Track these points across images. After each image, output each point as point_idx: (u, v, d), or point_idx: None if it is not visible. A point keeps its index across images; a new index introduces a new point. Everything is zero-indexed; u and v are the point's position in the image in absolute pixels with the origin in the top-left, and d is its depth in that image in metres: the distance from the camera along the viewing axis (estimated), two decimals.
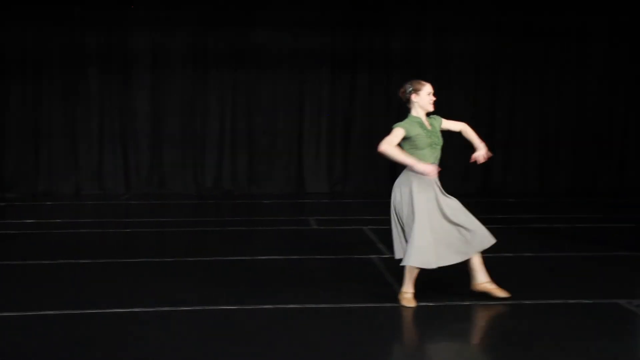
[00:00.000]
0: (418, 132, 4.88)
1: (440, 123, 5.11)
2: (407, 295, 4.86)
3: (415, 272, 4.85)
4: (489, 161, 12.46)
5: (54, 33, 10.79)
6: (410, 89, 5.02)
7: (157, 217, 9.13)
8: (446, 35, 11.27)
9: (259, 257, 6.44)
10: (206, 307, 4.84)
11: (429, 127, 4.98)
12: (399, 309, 4.87)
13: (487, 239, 4.93)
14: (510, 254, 6.62)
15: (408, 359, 4.09)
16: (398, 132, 4.85)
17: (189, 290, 5.30)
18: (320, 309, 4.86)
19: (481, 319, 4.67)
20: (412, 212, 4.76)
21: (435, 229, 4.76)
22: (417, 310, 4.82)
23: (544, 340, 4.24)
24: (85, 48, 10.88)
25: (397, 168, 11.33)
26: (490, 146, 12.15)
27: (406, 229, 4.82)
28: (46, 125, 10.93)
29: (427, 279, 5.57)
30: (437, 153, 4.97)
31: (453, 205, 4.88)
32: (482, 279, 4.99)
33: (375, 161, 11.39)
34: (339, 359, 3.96)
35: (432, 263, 4.74)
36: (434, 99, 5.03)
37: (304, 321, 4.61)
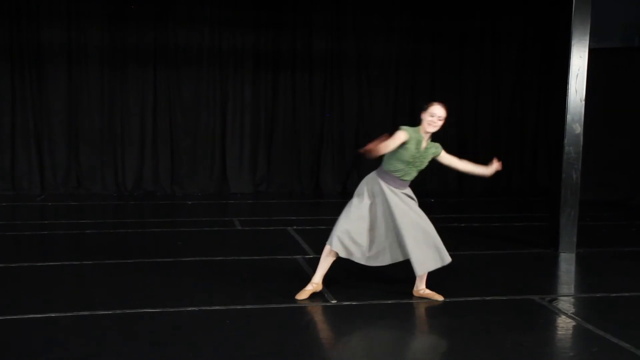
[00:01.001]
0: (410, 146, 5.01)
1: (437, 153, 5.30)
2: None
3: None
4: None
5: None
6: (425, 106, 5.20)
7: (75, 218, 8.84)
8: (367, 38, 11.46)
9: (182, 259, 6.35)
10: (126, 311, 4.74)
11: (422, 149, 5.13)
12: (324, 308, 4.92)
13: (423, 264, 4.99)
14: None
15: (332, 358, 4.14)
16: (400, 136, 5.02)
17: (108, 293, 5.18)
18: (244, 310, 4.85)
19: (401, 316, 4.78)
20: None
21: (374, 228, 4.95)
22: (340, 309, 4.89)
23: (461, 335, 4.39)
24: None
25: (319, 169, 11.57)
26: None
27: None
28: None
29: (345, 280, 5.66)
30: (414, 174, 5.20)
31: (411, 216, 5.06)
32: (419, 286, 5.17)
33: (298, 161, 11.47)
34: (255, 358, 3.97)
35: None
36: (435, 122, 5.15)
37: (228, 323, 4.59)
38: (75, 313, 4.67)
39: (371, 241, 5.03)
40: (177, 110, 11.09)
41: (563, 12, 6.86)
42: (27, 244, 7.17)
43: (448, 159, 5.38)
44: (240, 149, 11.28)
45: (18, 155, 10.62)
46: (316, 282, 5.12)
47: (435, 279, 5.73)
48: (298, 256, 6.42)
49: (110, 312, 4.69)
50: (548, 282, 5.94)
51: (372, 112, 11.67)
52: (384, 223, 5.04)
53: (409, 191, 5.21)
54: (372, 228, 5.02)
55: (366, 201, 5.06)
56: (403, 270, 6.11)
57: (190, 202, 10.20)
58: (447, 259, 5.07)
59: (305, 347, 4.23)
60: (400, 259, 5.10)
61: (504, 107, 12.05)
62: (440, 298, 5.12)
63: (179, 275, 5.78)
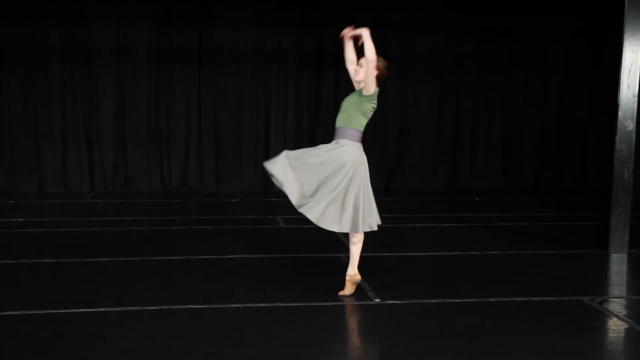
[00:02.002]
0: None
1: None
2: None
3: None
4: (455, 160, 12.69)
5: (13, 27, 10.55)
6: None
7: (123, 215, 9.01)
8: (412, 35, 11.37)
9: (227, 256, 6.40)
10: (172, 307, 4.79)
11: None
12: (368, 307, 4.89)
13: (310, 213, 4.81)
14: (477, 252, 6.70)
15: (363, 358, 4.11)
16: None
17: (155, 289, 5.25)
18: (288, 307, 4.86)
19: (444, 316, 4.71)
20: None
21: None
22: (383, 308, 4.85)
23: (506, 336, 4.30)
24: (47, 43, 10.67)
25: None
26: (456, 146, 12.40)
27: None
28: (6, 122, 10.70)
29: (388, 279, 5.62)
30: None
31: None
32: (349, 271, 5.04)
33: None
34: (306, 358, 3.96)
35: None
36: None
37: (272, 320, 4.60)
38: (122, 308, 4.75)
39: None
40: (221, 109, 11.20)
41: (615, 5, 6.66)
42: (77, 240, 7.33)
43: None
44: (284, 148, 11.28)
45: (68, 154, 10.89)
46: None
47: (481, 279, 5.65)
48: (341, 254, 6.39)
49: (156, 308, 4.76)
50: (598, 283, 5.79)
51: (416, 112, 11.56)
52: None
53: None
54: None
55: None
56: (448, 270, 6.04)
57: (234, 200, 10.28)
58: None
59: (348, 346, 4.20)
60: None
61: (553, 105, 11.80)
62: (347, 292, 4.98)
63: (223, 272, 5.83)
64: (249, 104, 11.20)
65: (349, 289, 5.07)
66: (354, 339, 4.41)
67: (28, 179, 10.74)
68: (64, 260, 6.17)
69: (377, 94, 5.01)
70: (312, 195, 4.84)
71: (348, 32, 4.98)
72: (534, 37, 11.59)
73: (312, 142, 11.46)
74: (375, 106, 5.03)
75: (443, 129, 11.64)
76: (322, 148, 5.00)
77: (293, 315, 4.71)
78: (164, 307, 4.79)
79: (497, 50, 11.53)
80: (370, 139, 11.45)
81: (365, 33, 4.86)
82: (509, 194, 11.28)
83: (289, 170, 4.88)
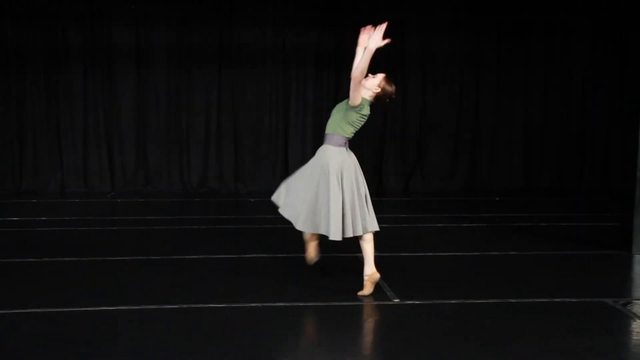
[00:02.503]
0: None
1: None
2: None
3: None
4: (474, 159, 12.60)
5: (35, 28, 10.67)
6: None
7: (143, 215, 9.08)
8: (430, 34, 11.31)
9: (246, 255, 6.42)
10: (192, 305, 4.82)
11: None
12: (386, 307, 4.88)
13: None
14: (496, 252, 6.65)
15: (381, 358, 4.09)
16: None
17: (175, 288, 5.28)
18: (306, 307, 4.86)
19: (466, 317, 4.68)
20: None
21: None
22: (402, 308, 4.83)
23: (529, 338, 4.26)
24: (68, 44, 10.78)
25: (382, 168, 11.46)
26: (475, 145, 12.31)
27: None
28: (29, 122, 10.83)
29: (407, 279, 5.60)
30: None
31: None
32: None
33: (360, 160, 11.40)
34: (325, 357, 3.96)
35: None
36: None
37: (291, 319, 4.60)
38: (141, 307, 4.78)
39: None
40: (240, 109, 11.23)
41: (639, 2, 6.58)
42: (98, 239, 7.40)
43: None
44: (303, 147, 11.32)
45: (89, 153, 10.99)
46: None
47: (501, 279, 5.61)
48: (359, 254, 6.37)
49: (175, 307, 4.78)
50: (621, 284, 5.71)
51: (436, 111, 11.50)
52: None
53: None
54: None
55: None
56: (468, 271, 6.00)
57: (253, 200, 10.31)
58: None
59: (367, 346, 4.19)
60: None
61: (574, 104, 11.66)
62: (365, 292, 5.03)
63: (242, 271, 5.85)
64: (269, 104, 11.22)
65: (368, 289, 5.06)
66: (373, 339, 4.39)
67: (50, 178, 10.86)
68: (85, 259, 6.22)
69: (367, 104, 5.02)
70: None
71: (363, 39, 4.96)
72: (555, 35, 11.47)
73: None
74: (364, 116, 5.03)
75: (462, 128, 11.57)
76: (311, 160, 5.23)
77: (312, 315, 4.71)
78: (184, 305, 4.81)
79: (517, 49, 11.43)
80: (389, 139, 11.44)
81: (369, 48, 4.86)
82: (530, 193, 11.18)
83: (292, 202, 5.13)
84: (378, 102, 5.08)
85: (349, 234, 4.96)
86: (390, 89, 5.05)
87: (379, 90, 5.03)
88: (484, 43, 11.41)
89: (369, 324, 4.71)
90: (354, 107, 4.96)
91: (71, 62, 10.82)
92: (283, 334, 4.34)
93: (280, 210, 5.16)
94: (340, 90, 11.34)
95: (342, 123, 5.02)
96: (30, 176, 10.84)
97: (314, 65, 11.27)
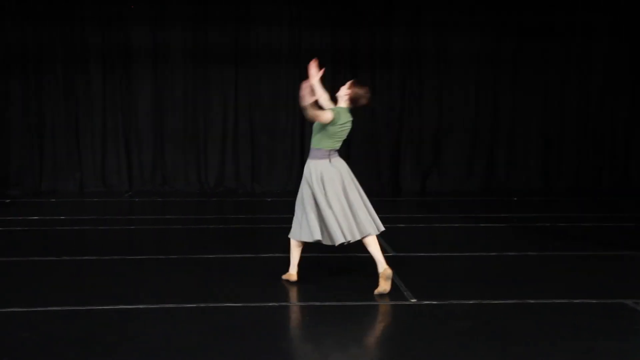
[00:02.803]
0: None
1: None
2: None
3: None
4: (492, 159, 12.51)
5: (54, 30, 10.79)
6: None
7: (161, 214, 9.13)
8: (448, 33, 11.26)
9: (262, 255, 6.43)
10: (209, 304, 4.84)
11: None
12: (404, 307, 4.86)
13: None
14: (515, 253, 6.61)
15: (399, 358, 4.08)
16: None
17: (192, 287, 5.31)
18: (322, 307, 4.86)
19: (484, 317, 4.66)
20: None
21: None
22: (419, 308, 4.81)
23: (547, 339, 4.23)
24: (87, 44, 10.88)
25: (398, 168, 11.41)
26: (492, 145, 12.22)
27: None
28: (49, 122, 10.95)
29: (424, 279, 5.58)
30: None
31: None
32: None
33: (377, 159, 11.41)
34: (341, 358, 3.95)
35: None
36: None
37: (307, 319, 4.61)
38: (159, 305, 4.81)
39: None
40: (257, 108, 11.26)
41: None
42: (116, 238, 7.46)
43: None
44: None
45: (108, 153, 11.09)
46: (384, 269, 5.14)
47: (519, 280, 5.57)
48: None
49: (193, 306, 4.80)
50: None
51: (452, 111, 11.45)
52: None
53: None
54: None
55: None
56: (485, 271, 5.97)
57: (269, 199, 10.33)
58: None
59: (384, 346, 4.18)
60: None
61: (593, 104, 11.55)
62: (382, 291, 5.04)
63: (259, 270, 5.86)
64: (285, 103, 11.24)
65: (382, 285, 5.05)
66: (390, 339, 4.38)
67: (69, 177, 10.97)
68: (103, 258, 6.28)
69: (343, 113, 5.19)
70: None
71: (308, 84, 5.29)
72: (573, 33, 11.37)
73: (346, 141, 11.43)
74: (343, 125, 5.21)
75: (480, 128, 11.51)
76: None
77: (328, 315, 4.71)
78: (201, 305, 4.83)
79: (535, 47, 11.35)
80: (405, 139, 11.40)
81: (310, 83, 5.30)
82: (548, 193, 11.10)
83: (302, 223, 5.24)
84: (356, 105, 5.28)
85: (347, 238, 5.06)
86: (360, 91, 5.25)
87: (349, 92, 5.24)
88: (502, 42, 11.34)
89: (385, 324, 4.70)
90: (328, 124, 5.12)
91: (90, 62, 10.92)
92: (299, 333, 4.34)
93: (307, 239, 5.23)
94: None
95: (323, 138, 5.21)
96: (49, 176, 10.96)
97: (330, 65, 11.25)
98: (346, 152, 11.36)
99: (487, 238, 7.54)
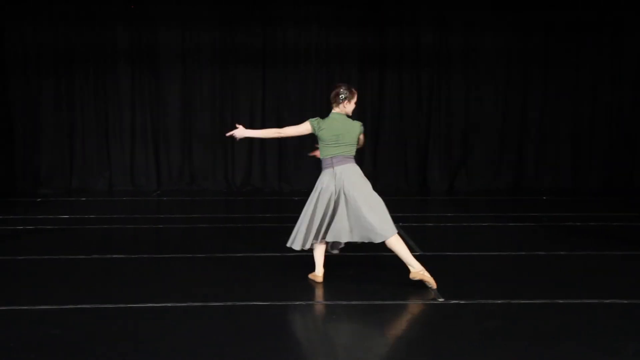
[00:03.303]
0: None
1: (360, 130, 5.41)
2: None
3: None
4: (521, 158, 12.32)
5: (85, 30, 10.94)
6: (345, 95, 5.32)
7: (188, 213, 9.21)
8: (476, 32, 11.17)
9: (289, 254, 6.44)
10: (237, 303, 4.86)
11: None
12: (431, 306, 4.83)
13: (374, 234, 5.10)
14: (544, 252, 6.53)
15: (427, 357, 4.05)
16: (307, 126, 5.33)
17: (219, 286, 5.34)
18: (349, 305, 4.85)
19: (512, 317, 4.61)
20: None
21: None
22: (447, 307, 4.78)
23: (576, 339, 4.17)
24: (117, 45, 11.02)
25: (426, 167, 11.34)
26: (521, 143, 12.05)
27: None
28: (79, 122, 11.11)
29: (446, 278, 5.54)
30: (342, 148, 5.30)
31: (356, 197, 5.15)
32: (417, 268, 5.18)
33: (405, 158, 11.36)
34: (368, 356, 3.94)
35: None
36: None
37: (335, 317, 4.60)
38: (187, 304, 4.85)
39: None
40: (284, 108, 11.29)
41: None
42: (145, 237, 7.54)
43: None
44: None
45: (137, 152, 11.22)
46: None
47: (548, 280, 5.50)
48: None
49: (220, 304, 4.83)
50: None
51: (481, 109, 11.35)
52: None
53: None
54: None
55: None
56: (514, 271, 5.90)
57: (296, 199, 10.34)
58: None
59: (411, 345, 4.16)
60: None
61: (626, 102, 11.35)
62: (433, 284, 5.10)
63: (286, 269, 5.88)
64: (312, 102, 11.25)
65: (429, 281, 5.08)
66: (417, 338, 4.36)
67: (99, 176, 11.12)
68: (132, 256, 6.35)
69: (318, 122, 5.32)
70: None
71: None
72: (604, 31, 11.18)
73: (374, 140, 11.44)
74: (320, 130, 5.31)
75: (508, 126, 11.39)
76: None
77: (355, 314, 4.70)
78: (228, 303, 4.86)
79: (565, 45, 11.19)
80: (433, 138, 11.33)
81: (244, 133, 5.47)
82: (578, 193, 10.94)
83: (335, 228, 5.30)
84: (338, 103, 5.33)
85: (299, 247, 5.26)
86: (333, 91, 5.35)
87: (337, 98, 5.31)
88: (531, 39, 11.21)
89: (412, 323, 4.68)
90: (315, 134, 5.32)
91: (119, 63, 11.06)
92: (324, 332, 4.34)
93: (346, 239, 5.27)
94: (384, 89, 11.30)
95: (321, 148, 5.38)
96: (79, 175, 11.12)
97: (357, 64, 11.25)
98: (374, 151, 11.37)
99: (516, 237, 7.46)
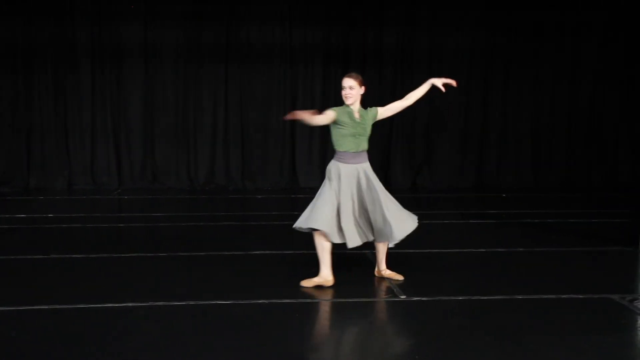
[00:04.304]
0: (344, 119, 5.29)
1: (375, 114, 5.52)
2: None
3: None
4: (482, 156, 12.49)
5: (44, 26, 10.71)
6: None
7: (150, 212, 9.11)
8: (439, 30, 11.28)
9: (253, 252, 6.43)
10: (200, 302, 4.83)
11: (358, 119, 5.37)
12: (393, 304, 4.87)
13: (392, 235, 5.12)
14: (504, 249, 6.64)
15: (388, 355, 4.09)
16: (329, 114, 5.29)
17: (182, 284, 5.30)
18: (314, 303, 4.86)
19: (474, 314, 4.68)
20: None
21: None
22: (409, 304, 4.83)
23: (535, 335, 4.25)
24: (77, 42, 10.82)
25: (389, 164, 11.44)
26: (483, 142, 12.24)
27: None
28: (38, 119, 10.88)
29: (414, 276, 5.60)
30: (363, 144, 5.44)
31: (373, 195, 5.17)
32: (380, 266, 5.39)
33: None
34: (329, 353, 3.96)
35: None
36: (347, 93, 5.38)
37: (297, 316, 4.61)
38: (150, 303, 4.80)
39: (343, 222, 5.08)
40: (248, 106, 11.24)
41: None
42: (106, 236, 7.43)
43: (390, 109, 5.68)
44: (310, 144, 11.33)
45: (97, 150, 11.04)
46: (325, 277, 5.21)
47: (507, 276, 5.60)
48: (367, 250, 6.38)
49: (183, 304, 4.80)
50: (629, 281, 5.69)
51: (443, 108, 11.47)
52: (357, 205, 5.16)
53: (367, 166, 5.41)
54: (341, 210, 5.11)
55: (334, 185, 5.18)
56: (475, 268, 5.99)
57: (260, 197, 10.32)
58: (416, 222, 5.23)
59: (373, 342, 4.19)
60: (371, 238, 5.22)
61: (583, 101, 11.60)
62: (400, 278, 5.26)
63: (249, 268, 5.86)
64: (276, 100, 11.23)
65: (393, 277, 5.20)
66: (380, 335, 4.39)
67: (58, 175, 10.92)
68: (92, 256, 6.25)
69: (340, 112, 5.32)
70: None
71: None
72: (564, 31, 11.41)
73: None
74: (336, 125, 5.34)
75: (470, 125, 11.54)
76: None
77: (317, 312, 4.71)
78: (191, 302, 4.83)
79: (525, 45, 11.38)
80: (396, 135, 11.42)
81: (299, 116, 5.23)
82: (537, 190, 11.15)
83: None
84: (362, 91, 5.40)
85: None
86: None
87: (363, 86, 5.40)
88: (493, 39, 11.37)
89: (375, 320, 4.71)
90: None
91: (79, 60, 10.87)
92: (289, 330, 4.34)
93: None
94: None
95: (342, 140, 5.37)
96: (38, 173, 10.90)
97: (321, 62, 11.27)
98: None
99: (477, 235, 7.56)
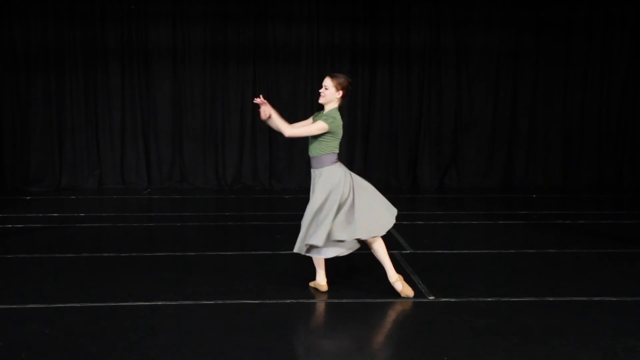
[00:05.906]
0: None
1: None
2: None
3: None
4: (511, 156, 12.34)
5: (75, 29, 10.87)
6: None
7: (179, 211, 9.19)
8: (467, 29, 11.19)
9: (280, 252, 6.44)
10: (227, 301, 4.86)
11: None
12: (420, 305, 4.85)
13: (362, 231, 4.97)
14: (534, 250, 6.56)
15: (416, 356, 4.06)
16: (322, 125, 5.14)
17: (209, 284, 5.33)
18: (340, 304, 4.85)
19: (502, 315, 4.63)
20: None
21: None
22: (437, 305, 4.80)
23: (565, 337, 4.20)
24: (107, 43, 10.95)
25: (416, 165, 11.38)
26: (512, 142, 12.08)
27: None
28: (69, 119, 11.04)
29: (436, 276, 5.56)
30: (311, 147, 5.31)
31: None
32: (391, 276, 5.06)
33: (395, 156, 11.37)
34: (357, 356, 3.95)
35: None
36: (323, 92, 5.27)
37: (323, 315, 4.61)
38: (179, 302, 4.84)
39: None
40: (275, 106, 11.16)
41: None
42: (135, 235, 7.51)
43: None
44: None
45: (127, 150, 11.16)
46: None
47: (538, 277, 5.53)
48: (395, 251, 6.35)
49: (211, 303, 4.83)
50: None
51: (472, 107, 11.38)
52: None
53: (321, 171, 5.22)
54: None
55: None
56: (504, 269, 5.93)
57: (287, 197, 10.35)
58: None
59: (401, 343, 4.17)
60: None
61: (614, 101, 11.40)
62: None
63: (278, 267, 5.87)
64: (303, 100, 11.24)
65: (402, 290, 5.02)
66: (407, 336, 4.37)
67: (89, 175, 11.07)
68: (122, 255, 6.33)
69: (330, 122, 5.13)
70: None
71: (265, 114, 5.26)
72: (594, 29, 11.22)
73: (365, 137, 11.45)
74: (335, 131, 5.23)
75: (499, 124, 11.42)
76: None
77: (345, 312, 4.71)
78: (219, 301, 4.85)
79: (555, 43, 11.22)
80: (423, 136, 11.35)
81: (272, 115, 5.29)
82: (568, 191, 10.99)
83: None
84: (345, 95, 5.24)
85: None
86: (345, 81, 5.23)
87: (349, 89, 5.23)
88: (522, 38, 11.24)
89: (403, 321, 4.69)
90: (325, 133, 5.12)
91: (109, 60, 11.00)
92: (316, 331, 4.34)
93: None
94: (375, 86, 11.31)
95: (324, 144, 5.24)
96: (69, 173, 11.06)
97: (348, 61, 11.25)
98: (364, 148, 11.38)
99: (506, 235, 7.49)
